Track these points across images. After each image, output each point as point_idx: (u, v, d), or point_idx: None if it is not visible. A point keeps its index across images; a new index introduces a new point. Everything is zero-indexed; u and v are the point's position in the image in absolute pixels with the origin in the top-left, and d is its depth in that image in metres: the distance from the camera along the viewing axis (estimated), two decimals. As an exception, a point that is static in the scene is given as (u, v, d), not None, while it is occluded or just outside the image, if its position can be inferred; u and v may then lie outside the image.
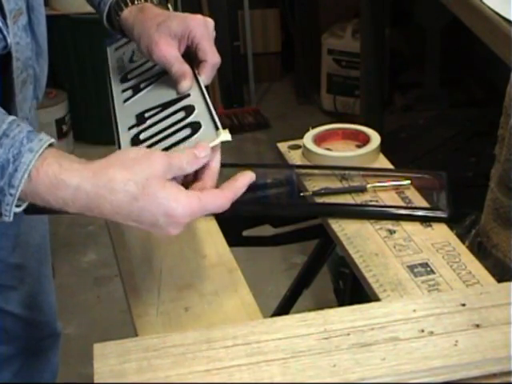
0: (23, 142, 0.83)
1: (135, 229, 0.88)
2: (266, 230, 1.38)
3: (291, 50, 3.65)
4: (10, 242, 1.31)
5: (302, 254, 2.40)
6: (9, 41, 1.03)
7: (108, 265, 2.53)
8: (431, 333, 0.86)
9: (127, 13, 1.09)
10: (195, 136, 0.92)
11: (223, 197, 0.88)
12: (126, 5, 1.10)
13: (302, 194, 1.25)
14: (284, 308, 1.54)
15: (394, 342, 0.84)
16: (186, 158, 0.87)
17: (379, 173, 1.25)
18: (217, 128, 0.91)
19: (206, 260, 1.08)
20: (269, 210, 1.25)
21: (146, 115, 1.01)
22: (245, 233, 1.36)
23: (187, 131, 0.94)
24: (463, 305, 0.90)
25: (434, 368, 0.82)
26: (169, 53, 1.04)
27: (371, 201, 1.20)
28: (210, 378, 0.81)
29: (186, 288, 1.03)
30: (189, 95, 1.02)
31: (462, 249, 1.09)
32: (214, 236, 1.13)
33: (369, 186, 1.22)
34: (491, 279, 1.02)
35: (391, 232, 1.12)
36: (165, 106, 1.01)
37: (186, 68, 1.03)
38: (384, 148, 1.32)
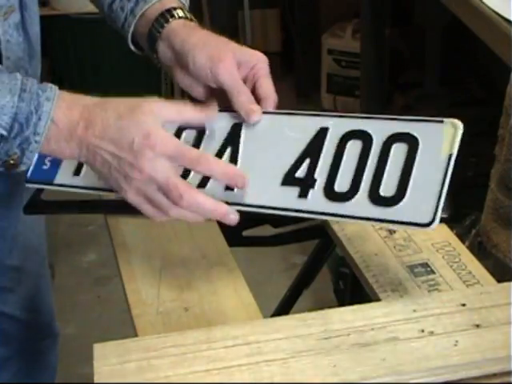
0: (39, 93, 0.91)
1: (135, 228, 0.88)
2: (266, 230, 1.38)
3: (291, 49, 3.65)
4: (7, 243, 1.31)
5: (301, 254, 2.40)
6: None
7: (108, 265, 2.53)
8: (431, 333, 0.86)
9: (175, 24, 1.04)
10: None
11: (202, 153, 0.95)
12: (173, 17, 1.05)
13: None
14: (284, 308, 1.53)
15: (393, 342, 0.85)
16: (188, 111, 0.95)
17: None
18: None
19: (205, 260, 1.08)
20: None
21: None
22: (245, 233, 1.36)
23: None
24: (463, 305, 0.90)
25: (434, 368, 0.82)
26: (236, 77, 0.99)
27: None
28: (210, 378, 0.81)
29: (186, 288, 1.03)
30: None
31: (461, 249, 1.09)
32: (214, 236, 1.13)
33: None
34: (491, 279, 1.02)
35: (391, 232, 1.12)
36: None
37: (253, 100, 1.00)
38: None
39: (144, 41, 1.07)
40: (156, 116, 0.92)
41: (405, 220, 0.86)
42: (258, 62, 1.01)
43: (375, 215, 0.88)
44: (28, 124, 0.90)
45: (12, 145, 0.90)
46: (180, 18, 1.04)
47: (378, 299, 0.99)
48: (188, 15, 1.06)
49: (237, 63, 0.99)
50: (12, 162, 0.92)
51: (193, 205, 0.91)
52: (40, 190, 1.18)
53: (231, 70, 0.99)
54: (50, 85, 0.92)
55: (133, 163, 0.90)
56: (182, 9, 1.06)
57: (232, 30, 3.51)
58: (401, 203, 0.87)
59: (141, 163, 0.89)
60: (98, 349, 0.84)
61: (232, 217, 0.93)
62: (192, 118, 0.97)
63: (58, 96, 0.92)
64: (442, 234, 1.12)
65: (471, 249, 1.13)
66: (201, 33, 1.02)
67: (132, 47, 1.10)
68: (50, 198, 1.19)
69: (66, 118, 0.92)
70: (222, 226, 1.15)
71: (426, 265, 1.05)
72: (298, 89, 3.63)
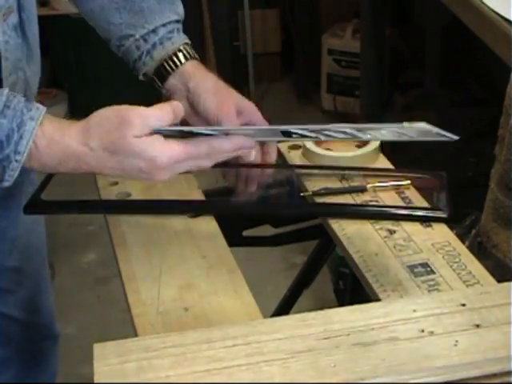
0: (23, 111, 0.91)
1: (135, 228, 0.89)
2: (266, 230, 1.38)
3: (291, 50, 3.64)
4: (6, 244, 1.31)
5: (301, 254, 2.40)
6: None
7: (108, 265, 2.53)
8: (431, 333, 0.86)
9: (189, 66, 1.16)
10: None
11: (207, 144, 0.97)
12: (186, 58, 1.16)
13: (302, 194, 1.25)
14: (284, 308, 1.54)
15: (393, 342, 0.84)
16: (167, 109, 0.94)
17: (379, 173, 1.25)
18: None
19: (205, 260, 1.08)
20: (269, 210, 1.25)
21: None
22: (245, 233, 1.36)
23: None
24: (463, 305, 0.90)
25: (434, 368, 0.82)
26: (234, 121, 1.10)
27: (371, 201, 1.20)
28: (210, 378, 0.81)
29: (186, 288, 1.03)
30: None
31: (461, 249, 1.09)
32: (214, 236, 1.13)
33: (369, 186, 1.22)
34: (491, 279, 1.02)
35: (391, 232, 1.12)
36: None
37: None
38: (384, 148, 1.32)
39: (150, 74, 1.17)
40: (143, 129, 0.92)
41: None
42: (254, 111, 1.15)
43: None
44: (9, 142, 0.89)
45: None
46: (189, 58, 1.16)
47: (377, 299, 0.99)
48: (194, 54, 1.17)
49: (238, 111, 1.12)
50: None
51: (217, 155, 0.97)
52: (40, 190, 1.18)
53: (233, 121, 1.10)
54: (36, 105, 0.92)
55: (151, 179, 0.94)
56: (187, 46, 1.17)
57: (232, 30, 3.51)
58: None
59: (159, 177, 0.94)
60: (98, 349, 0.84)
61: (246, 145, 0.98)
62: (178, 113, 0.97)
63: (41, 123, 0.91)
64: (441, 234, 1.12)
65: (471, 249, 1.13)
66: (212, 79, 1.15)
67: (142, 77, 1.18)
68: (49, 198, 1.19)
69: (48, 156, 0.92)
70: (222, 226, 1.15)
71: (425, 265, 1.05)
72: (298, 89, 3.63)
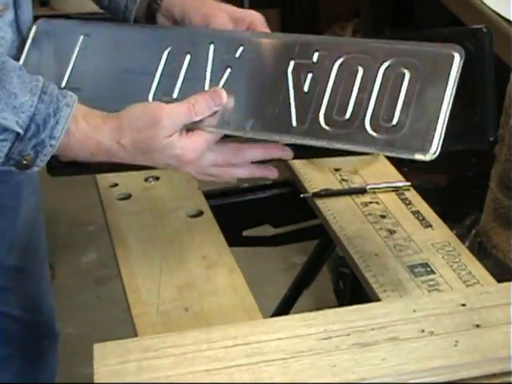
0: (59, 97, 0.92)
1: (135, 228, 0.89)
2: (266, 230, 1.38)
3: (291, 50, 3.64)
4: (6, 244, 1.31)
5: (301, 254, 2.40)
6: None
7: (108, 265, 2.53)
8: (431, 333, 0.86)
9: None
10: None
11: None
12: None
13: (301, 196, 1.25)
14: (284, 308, 1.54)
15: (393, 342, 0.84)
16: (198, 108, 0.94)
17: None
18: None
19: (205, 260, 1.08)
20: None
21: None
22: (245, 233, 1.36)
23: None
24: (463, 305, 0.90)
25: (434, 368, 0.82)
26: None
27: (371, 202, 1.20)
28: (210, 378, 0.81)
29: (186, 288, 1.03)
30: None
31: (462, 249, 1.09)
32: (214, 236, 1.13)
33: (368, 187, 1.22)
34: (491, 279, 1.02)
35: (391, 232, 1.12)
36: None
37: None
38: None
39: (142, 21, 1.12)
40: (173, 128, 0.93)
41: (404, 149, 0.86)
42: (254, 18, 1.06)
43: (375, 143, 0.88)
44: (45, 126, 0.90)
45: (26, 146, 0.90)
46: None
47: (377, 299, 0.99)
48: None
49: (233, 21, 1.05)
50: (25, 162, 0.92)
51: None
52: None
53: (224, 25, 1.04)
54: (70, 93, 0.93)
55: (181, 170, 0.97)
56: None
57: (232, 30, 3.51)
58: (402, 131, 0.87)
59: (188, 170, 0.96)
60: (98, 349, 0.84)
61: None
62: (204, 111, 0.96)
63: (75, 119, 0.92)
64: (442, 233, 1.12)
65: (471, 249, 1.13)
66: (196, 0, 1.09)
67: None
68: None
69: (82, 150, 0.94)
70: (222, 226, 1.15)
71: (425, 265, 1.05)
72: (298, 89, 3.63)
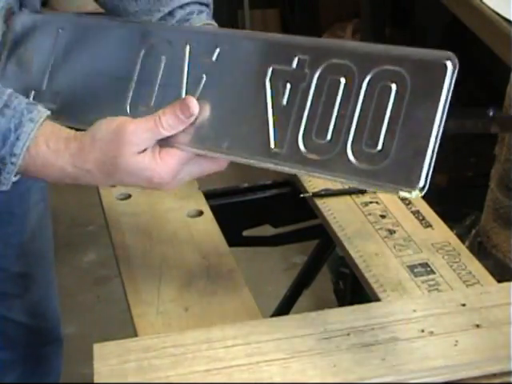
0: (23, 112, 0.87)
1: (135, 228, 0.88)
2: (266, 230, 1.38)
3: (291, 50, 3.64)
4: (13, 251, 1.31)
5: (301, 254, 2.39)
6: None
7: (108, 265, 2.53)
8: (431, 333, 0.86)
9: None
10: None
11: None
12: None
13: (301, 195, 1.25)
14: (284, 308, 1.54)
15: (393, 342, 0.85)
16: (165, 122, 0.86)
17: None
18: None
19: (205, 260, 1.08)
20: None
21: None
22: (245, 233, 1.36)
23: None
24: (463, 305, 0.90)
25: (434, 368, 0.82)
26: None
27: (371, 202, 1.20)
28: (210, 378, 0.81)
29: (186, 288, 1.03)
30: None
31: (461, 249, 1.08)
32: (214, 236, 1.13)
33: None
34: (491, 279, 1.02)
35: (391, 232, 1.12)
36: None
37: None
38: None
39: None
40: (140, 145, 0.86)
41: (389, 183, 0.77)
42: None
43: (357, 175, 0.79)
44: (5, 142, 0.85)
45: None
46: None
47: (377, 299, 0.99)
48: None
49: None
50: None
51: None
52: None
53: None
54: (39, 107, 0.88)
55: (157, 189, 0.90)
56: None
57: (232, 30, 3.51)
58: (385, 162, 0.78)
59: (163, 189, 0.89)
60: (98, 349, 0.84)
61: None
62: (173, 125, 0.87)
63: (36, 142, 0.86)
64: (442, 233, 1.12)
65: (471, 249, 1.13)
66: None
67: None
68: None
69: (45, 174, 0.88)
70: (222, 226, 1.15)
71: (425, 265, 1.05)
72: (298, 89, 3.63)
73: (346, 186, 1.24)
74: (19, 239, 1.31)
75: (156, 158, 0.86)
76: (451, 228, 1.14)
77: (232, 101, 0.89)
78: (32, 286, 1.38)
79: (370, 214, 1.17)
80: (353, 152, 0.80)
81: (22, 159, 0.86)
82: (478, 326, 0.87)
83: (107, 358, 0.83)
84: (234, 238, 1.17)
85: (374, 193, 1.21)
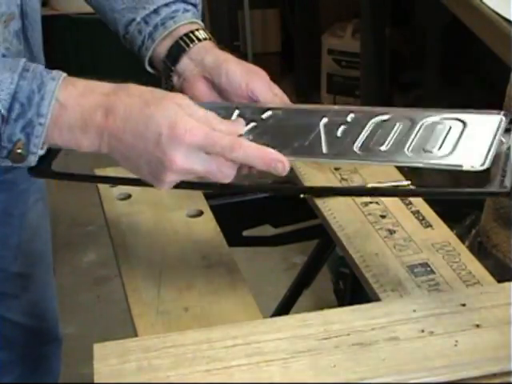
0: (43, 73, 0.87)
1: (135, 228, 0.88)
2: (266, 230, 1.38)
3: (291, 50, 3.64)
4: (11, 251, 1.31)
5: (302, 254, 2.40)
6: None
7: (108, 265, 2.53)
8: (431, 333, 0.86)
9: (206, 43, 1.08)
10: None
11: (233, 138, 0.88)
12: (198, 39, 1.08)
13: (301, 195, 1.25)
14: (284, 308, 1.54)
15: (393, 342, 0.85)
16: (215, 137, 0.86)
17: None
18: None
19: (205, 260, 1.08)
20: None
21: None
22: (245, 233, 1.36)
23: None
24: (463, 305, 0.90)
25: (434, 368, 0.82)
26: (270, 91, 1.03)
27: (371, 202, 1.20)
28: (210, 378, 0.81)
29: (186, 288, 1.03)
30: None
31: (462, 249, 1.08)
32: (214, 236, 1.13)
33: (368, 186, 1.22)
34: (491, 279, 1.02)
35: (391, 232, 1.12)
36: None
37: None
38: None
39: (160, 58, 1.09)
40: (184, 107, 0.87)
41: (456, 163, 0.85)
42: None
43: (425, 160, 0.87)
44: (30, 104, 0.85)
45: (14, 128, 0.85)
46: (205, 39, 1.08)
47: (378, 299, 0.99)
48: (210, 36, 1.09)
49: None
50: (18, 151, 0.86)
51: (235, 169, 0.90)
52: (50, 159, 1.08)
53: (267, 84, 1.04)
54: (56, 70, 0.89)
55: (163, 160, 0.85)
56: (203, 30, 1.09)
57: (232, 30, 3.51)
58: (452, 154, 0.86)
59: (172, 158, 0.85)
60: (98, 349, 0.84)
61: (280, 165, 0.88)
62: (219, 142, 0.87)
63: (67, 80, 0.87)
64: (441, 234, 1.12)
65: (471, 249, 1.13)
66: (232, 55, 1.07)
67: (148, 68, 1.11)
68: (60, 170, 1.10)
69: (79, 105, 0.86)
70: (222, 226, 1.15)
71: (425, 265, 1.05)
72: (298, 89, 3.62)
73: (346, 185, 1.24)
74: (17, 239, 1.31)
75: (195, 121, 0.86)
76: (451, 228, 1.14)
77: (283, 137, 0.93)
78: (30, 286, 1.38)
79: (369, 214, 1.17)
80: (411, 151, 0.88)
81: (51, 116, 0.86)
82: (477, 325, 0.87)
83: (107, 358, 0.83)
84: (234, 238, 1.17)
85: (374, 194, 1.21)
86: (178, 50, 1.07)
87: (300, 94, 3.61)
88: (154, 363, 0.83)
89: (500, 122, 0.88)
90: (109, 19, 1.13)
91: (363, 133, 0.91)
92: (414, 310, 0.89)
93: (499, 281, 1.01)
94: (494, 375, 0.82)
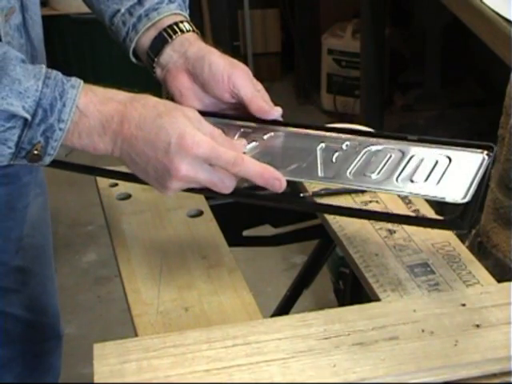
0: (64, 81, 0.92)
1: (135, 228, 0.88)
2: (266, 230, 1.38)
3: (291, 49, 3.65)
4: (12, 245, 1.31)
5: (302, 254, 2.40)
6: None
7: (108, 265, 2.53)
8: (431, 333, 0.86)
9: (189, 35, 1.09)
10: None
11: (236, 153, 0.94)
12: (181, 31, 1.09)
13: (301, 195, 1.24)
14: (284, 308, 1.54)
15: (393, 342, 0.85)
16: (224, 157, 0.92)
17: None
18: None
19: (205, 260, 1.08)
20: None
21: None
22: (245, 233, 1.36)
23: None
24: (463, 305, 0.90)
25: (434, 368, 0.82)
26: (252, 84, 1.07)
27: (371, 201, 1.20)
28: (210, 378, 0.81)
29: (186, 288, 1.03)
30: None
31: (461, 249, 1.08)
32: (214, 236, 1.13)
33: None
34: (491, 279, 1.02)
35: (391, 232, 1.12)
36: None
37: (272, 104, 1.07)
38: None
39: (144, 49, 1.09)
40: (193, 121, 0.93)
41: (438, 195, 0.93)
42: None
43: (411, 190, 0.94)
44: (52, 110, 0.90)
45: (36, 132, 0.90)
46: (188, 31, 1.09)
47: (377, 299, 0.99)
48: (194, 28, 1.10)
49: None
50: (36, 152, 0.91)
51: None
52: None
53: (249, 79, 1.07)
54: (74, 77, 0.94)
55: (169, 167, 0.91)
56: (188, 22, 1.10)
57: (232, 30, 3.51)
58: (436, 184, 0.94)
59: (178, 166, 0.91)
60: (98, 349, 0.84)
61: (277, 183, 0.95)
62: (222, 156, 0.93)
63: (87, 88, 0.93)
64: (441, 234, 1.12)
65: (471, 249, 1.13)
66: (216, 49, 1.08)
67: (133, 59, 1.12)
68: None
69: (98, 112, 0.92)
70: (222, 226, 1.15)
71: (425, 265, 1.05)
72: (298, 89, 3.63)
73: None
74: (18, 233, 1.31)
75: (203, 134, 0.92)
76: (451, 228, 1.14)
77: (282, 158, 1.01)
78: (31, 280, 1.38)
79: (369, 214, 1.17)
80: (400, 181, 0.96)
81: (70, 126, 0.91)
82: (477, 326, 0.87)
83: (107, 357, 0.83)
84: (234, 238, 1.17)
85: (374, 192, 1.21)
86: (161, 42, 1.08)
87: (300, 94, 3.62)
88: (153, 363, 0.83)
89: (482, 161, 0.96)
90: (96, 11, 1.14)
91: (356, 160, 0.99)
92: (414, 310, 0.89)
93: (499, 281, 1.01)
94: (494, 375, 0.82)
